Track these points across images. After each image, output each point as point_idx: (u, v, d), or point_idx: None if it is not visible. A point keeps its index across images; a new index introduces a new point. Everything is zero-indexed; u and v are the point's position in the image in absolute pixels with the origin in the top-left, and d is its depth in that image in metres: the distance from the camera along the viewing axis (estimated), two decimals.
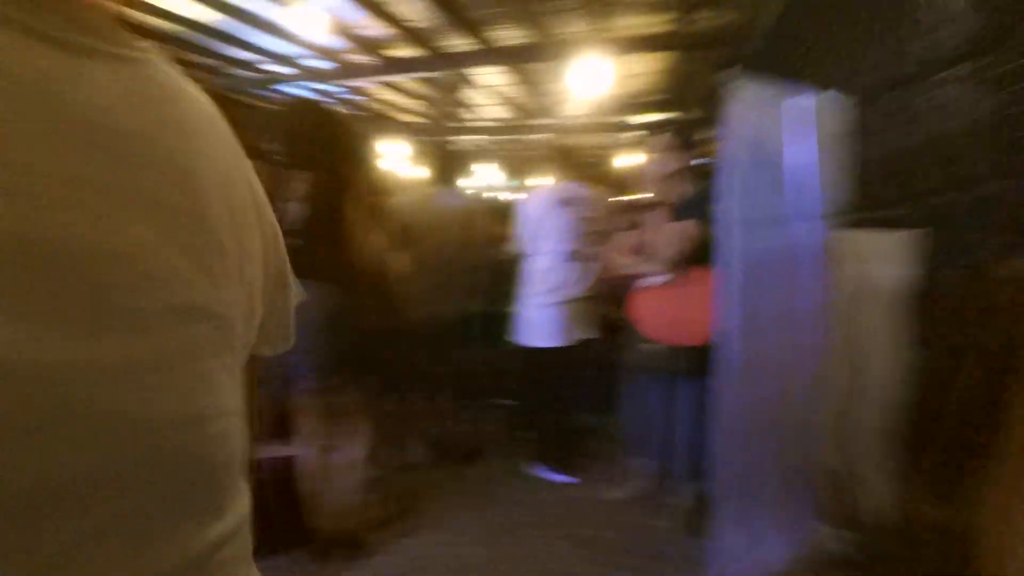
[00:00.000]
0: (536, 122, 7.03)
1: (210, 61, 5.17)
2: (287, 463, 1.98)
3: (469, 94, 6.09)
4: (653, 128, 2.35)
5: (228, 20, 4.19)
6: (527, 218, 2.58)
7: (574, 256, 2.50)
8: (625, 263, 2.30)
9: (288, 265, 0.49)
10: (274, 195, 1.65)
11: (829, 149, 1.63)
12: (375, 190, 2.26)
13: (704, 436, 1.75)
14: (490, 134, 7.42)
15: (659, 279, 2.08)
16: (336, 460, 1.94)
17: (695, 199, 2.01)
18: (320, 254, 1.70)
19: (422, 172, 2.92)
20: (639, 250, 2.25)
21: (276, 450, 2.00)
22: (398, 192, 2.86)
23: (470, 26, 4.30)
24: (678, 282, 2.02)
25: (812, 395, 1.63)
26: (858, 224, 1.75)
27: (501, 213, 3.12)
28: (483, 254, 2.83)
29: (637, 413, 2.19)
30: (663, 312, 2.03)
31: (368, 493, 2.02)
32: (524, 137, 7.14)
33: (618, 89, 5.35)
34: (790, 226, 1.69)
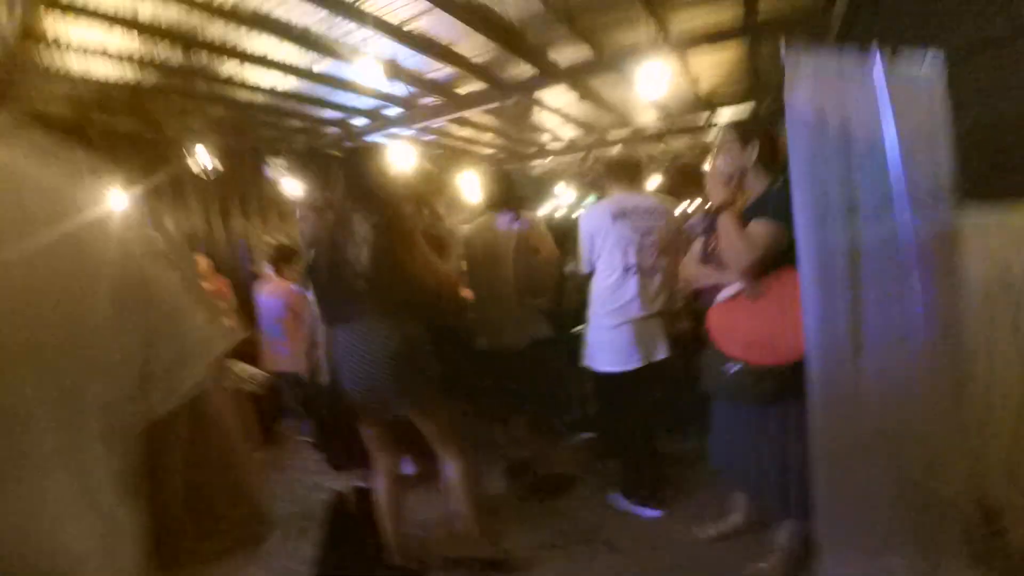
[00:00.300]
0: (610, 135, 6.88)
1: (301, 124, 5.70)
2: (366, 493, 2.03)
3: (540, 118, 6.11)
4: (722, 125, 2.15)
5: (308, 84, 4.58)
6: (587, 234, 2.46)
7: (640, 271, 2.34)
8: (697, 274, 2.10)
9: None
10: (343, 238, 1.79)
11: (926, 121, 1.36)
12: (437, 225, 2.30)
13: (803, 468, 1.50)
14: (565, 153, 7.38)
15: (736, 290, 1.86)
16: (447, 482, 1.98)
17: (770, 197, 1.79)
18: (390, 291, 1.77)
19: (486, 200, 2.91)
20: (712, 259, 2.04)
21: (353, 480, 2.06)
22: (460, 223, 2.90)
23: (530, 51, 4.33)
24: (758, 292, 1.79)
25: (933, 415, 1.33)
26: (973, 205, 1.44)
27: (567, 233, 3.03)
28: (549, 278, 2.76)
29: (725, 441, 1.96)
30: (744, 328, 1.81)
31: (474, 519, 2.01)
32: (599, 152, 7.01)
33: (688, 88, 5.07)
34: (888, 216, 1.43)
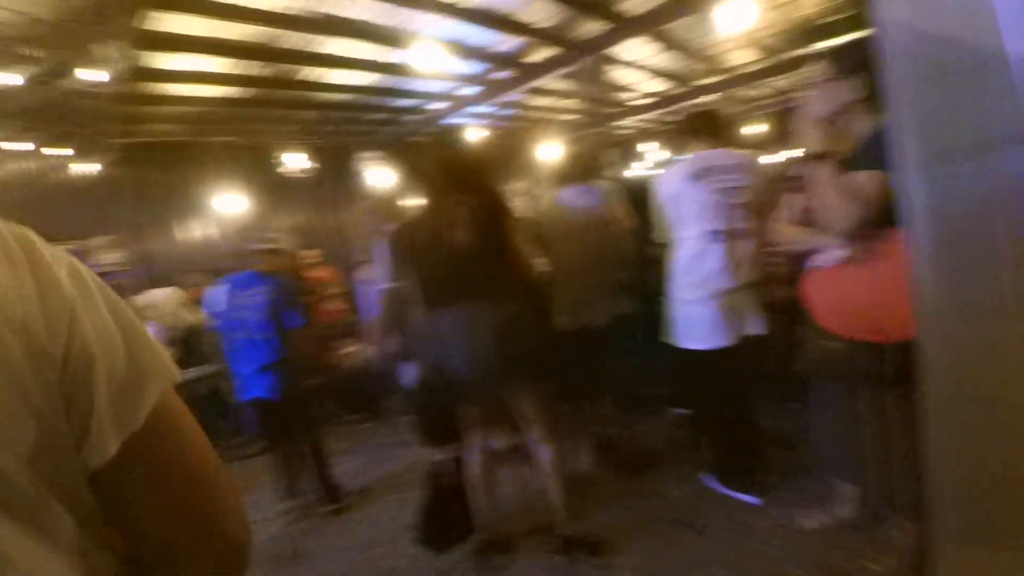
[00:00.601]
0: (697, 84, 6.32)
1: (384, 116, 5.90)
2: (458, 466, 2.11)
3: (618, 75, 5.77)
4: (813, 60, 1.84)
5: (384, 77, 4.70)
6: (665, 200, 2.26)
7: (726, 237, 2.11)
8: (792, 238, 1.85)
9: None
10: (442, 224, 1.83)
11: None
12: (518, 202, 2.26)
13: (915, 458, 1.28)
14: (650, 111, 6.92)
15: (836, 255, 1.61)
16: (539, 463, 2.03)
17: (876, 142, 1.50)
18: (487, 272, 1.81)
19: (562, 172, 2.80)
20: (808, 219, 1.78)
21: (449, 453, 2.14)
22: (537, 198, 2.82)
23: (598, 6, 4.06)
24: (862, 257, 1.53)
25: None
26: None
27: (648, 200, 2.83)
28: (628, 250, 2.60)
29: (826, 427, 1.73)
30: (846, 298, 1.56)
31: (564, 499, 2.04)
32: (686, 105, 6.47)
33: (782, 20, 4.48)
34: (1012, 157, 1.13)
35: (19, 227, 0.41)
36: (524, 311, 1.90)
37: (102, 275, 0.44)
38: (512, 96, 5.77)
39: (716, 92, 6.34)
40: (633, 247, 2.60)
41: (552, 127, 6.72)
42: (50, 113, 3.60)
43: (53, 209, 4.39)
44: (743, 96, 6.94)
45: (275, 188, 5.97)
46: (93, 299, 0.42)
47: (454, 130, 2.30)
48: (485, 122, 6.39)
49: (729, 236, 2.12)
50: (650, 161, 7.20)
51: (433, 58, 3.96)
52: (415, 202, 1.94)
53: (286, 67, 4.19)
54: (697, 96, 6.43)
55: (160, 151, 5.19)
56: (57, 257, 0.41)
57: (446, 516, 2.11)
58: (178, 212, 5.47)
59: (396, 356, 2.59)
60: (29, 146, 4.12)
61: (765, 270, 2.14)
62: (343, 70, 4.43)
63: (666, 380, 2.85)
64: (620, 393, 2.72)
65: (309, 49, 3.96)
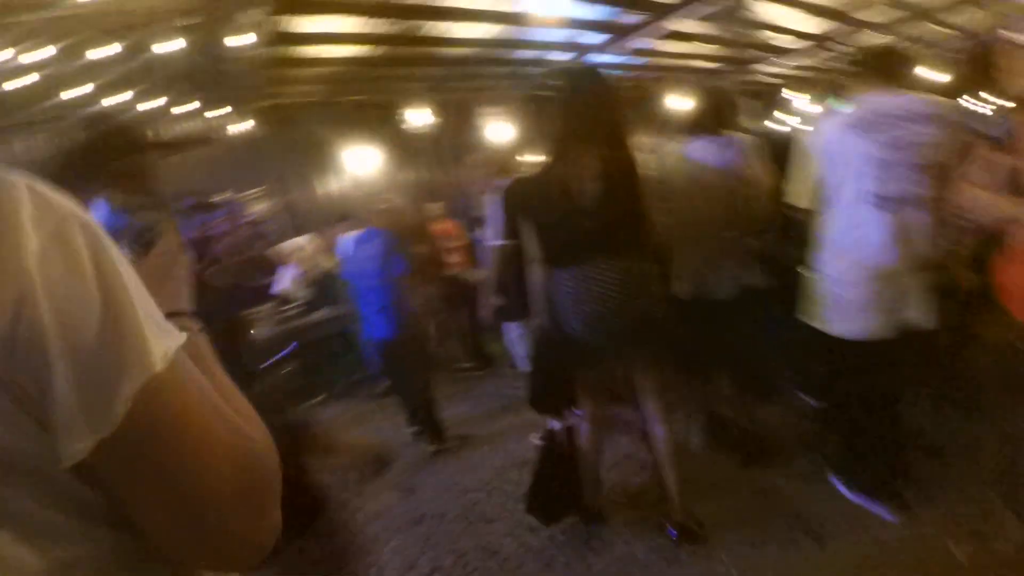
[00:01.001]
0: (861, 19, 5.33)
1: (510, 69, 5.80)
2: (570, 434, 2.09)
3: (765, 14, 5.07)
4: None
5: (509, 28, 4.57)
6: (819, 155, 1.91)
7: (896, 202, 1.75)
8: (989, 207, 1.49)
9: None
10: (569, 178, 1.74)
11: None
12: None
13: None
14: (801, 55, 6.03)
15: None
16: (654, 441, 1.97)
17: None
18: (615, 231, 1.75)
19: (693, 122, 2.51)
20: (1016, 185, 1.41)
21: (560, 419, 2.13)
22: (663, 150, 2.57)
23: None
24: None
25: None
26: None
27: (795, 155, 2.45)
28: (767, 213, 2.28)
29: (1008, 446, 1.41)
30: None
31: (675, 482, 1.96)
32: (844, 47, 5.53)
33: None
34: None
35: (9, 176, 0.35)
36: (651, 274, 1.81)
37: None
38: (642, 43, 5.35)
39: (887, 32, 5.33)
40: (773, 211, 2.28)
41: (685, 76, 6.17)
42: (207, 78, 4.03)
43: (214, 165, 4.99)
44: (922, 34, 5.75)
45: (401, 143, 6.28)
46: (78, 270, 0.35)
47: (584, 74, 2.12)
48: (613, 72, 6.02)
49: (899, 203, 1.75)
50: (798, 113, 6.34)
51: (557, 3, 3.75)
52: (534, 157, 1.86)
53: (412, 23, 4.25)
54: (861, 36, 5.46)
55: (300, 111, 5.68)
56: (43, 215, 0.35)
57: (556, 486, 2.10)
58: (317, 167, 6.02)
59: (504, 314, 2.59)
60: (193, 106, 4.69)
61: (944, 247, 1.76)
62: (466, 23, 4.39)
63: (798, 364, 2.54)
64: (742, 372, 2.47)
65: (433, 3, 3.96)
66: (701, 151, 2.32)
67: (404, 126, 6.16)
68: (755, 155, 2.31)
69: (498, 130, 6.31)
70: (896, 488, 1.91)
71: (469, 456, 2.93)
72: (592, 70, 2.58)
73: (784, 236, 2.27)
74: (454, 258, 4.45)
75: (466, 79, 5.96)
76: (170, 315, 0.57)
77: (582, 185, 1.71)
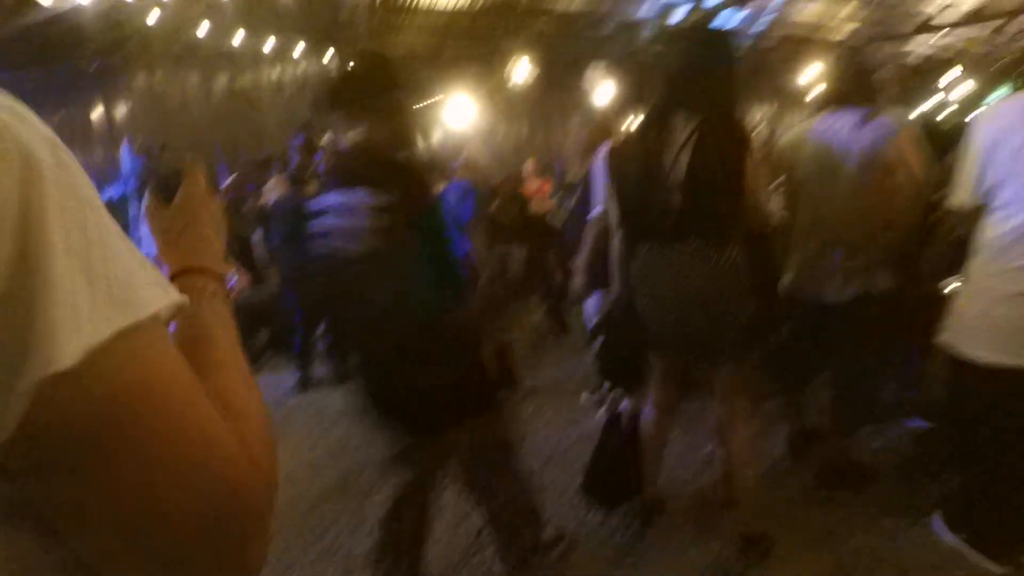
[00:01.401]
0: None
1: (618, 28, 5.46)
2: (634, 421, 1.99)
3: None
4: None
5: None
6: (984, 146, 1.57)
7: None
8: None
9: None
10: (664, 146, 1.57)
11: None
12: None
13: None
14: (965, 24, 5.15)
15: None
16: (729, 443, 1.81)
17: None
18: (711, 209, 1.57)
19: (828, 95, 2.18)
20: None
21: (629, 405, 2.03)
22: (786, 126, 2.27)
23: None
24: None
25: None
26: None
27: (953, 143, 2.03)
28: (911, 208, 1.94)
29: None
30: None
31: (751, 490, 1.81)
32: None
33: None
34: None
35: None
36: (748, 262, 1.61)
37: None
38: (770, 5, 4.81)
39: None
40: (919, 207, 1.94)
41: (818, 46, 5.51)
42: (316, 22, 4.10)
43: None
44: None
45: (505, 97, 6.22)
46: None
47: (694, 36, 1.90)
48: (737, 37, 5.51)
49: None
50: (950, 94, 5.48)
51: None
52: (637, 121, 1.70)
53: None
54: None
55: (406, 60, 5.72)
56: None
57: (615, 472, 1.99)
58: (422, 117, 6.10)
59: (592, 284, 2.47)
60: (300, 48, 4.84)
61: None
62: None
63: (915, 384, 2.23)
64: (843, 385, 2.19)
65: None
66: (834, 129, 1.99)
67: (509, 81, 6.05)
68: (907, 140, 1.95)
69: (604, 92, 6.03)
70: (1017, 548, 1.63)
71: (530, 412, 2.92)
72: (705, 31, 2.33)
73: (929, 237, 1.94)
74: (544, 209, 4.44)
75: (573, 37, 5.69)
76: (184, 272, 0.50)
77: (675, 156, 1.55)
